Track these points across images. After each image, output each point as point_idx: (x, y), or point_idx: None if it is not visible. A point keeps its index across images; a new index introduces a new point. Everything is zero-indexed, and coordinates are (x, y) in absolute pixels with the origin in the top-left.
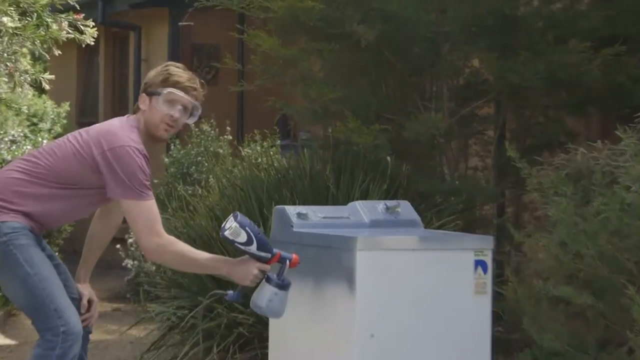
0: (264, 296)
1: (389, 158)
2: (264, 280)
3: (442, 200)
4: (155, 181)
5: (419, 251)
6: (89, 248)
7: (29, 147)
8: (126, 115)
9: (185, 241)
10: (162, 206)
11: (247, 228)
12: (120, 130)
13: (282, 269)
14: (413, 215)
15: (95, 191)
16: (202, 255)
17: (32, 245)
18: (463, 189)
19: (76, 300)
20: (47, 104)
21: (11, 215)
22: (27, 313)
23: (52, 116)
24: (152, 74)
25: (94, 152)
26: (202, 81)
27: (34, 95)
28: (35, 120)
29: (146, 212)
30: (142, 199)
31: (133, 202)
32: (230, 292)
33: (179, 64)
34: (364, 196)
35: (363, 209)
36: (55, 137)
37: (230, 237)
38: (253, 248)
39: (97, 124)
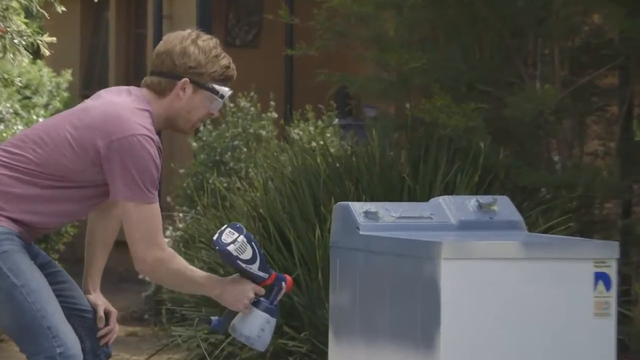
0: (254, 324)
1: (481, 143)
2: (250, 304)
3: (551, 197)
4: (181, 171)
5: (521, 261)
6: (92, 249)
7: (20, 127)
8: (132, 89)
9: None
10: (191, 202)
11: (252, 243)
12: (131, 113)
13: (277, 292)
14: (514, 214)
15: (93, 189)
16: (198, 272)
17: (18, 251)
18: (578, 181)
19: (89, 313)
20: (44, 72)
21: None
22: (13, 335)
23: (50, 87)
24: (201, 59)
25: (97, 142)
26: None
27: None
28: (28, 92)
29: (150, 217)
30: (148, 202)
31: (137, 204)
32: (215, 318)
33: (217, 42)
34: (450, 191)
35: (449, 207)
36: (53, 114)
37: (235, 253)
38: (255, 267)
39: (98, 101)
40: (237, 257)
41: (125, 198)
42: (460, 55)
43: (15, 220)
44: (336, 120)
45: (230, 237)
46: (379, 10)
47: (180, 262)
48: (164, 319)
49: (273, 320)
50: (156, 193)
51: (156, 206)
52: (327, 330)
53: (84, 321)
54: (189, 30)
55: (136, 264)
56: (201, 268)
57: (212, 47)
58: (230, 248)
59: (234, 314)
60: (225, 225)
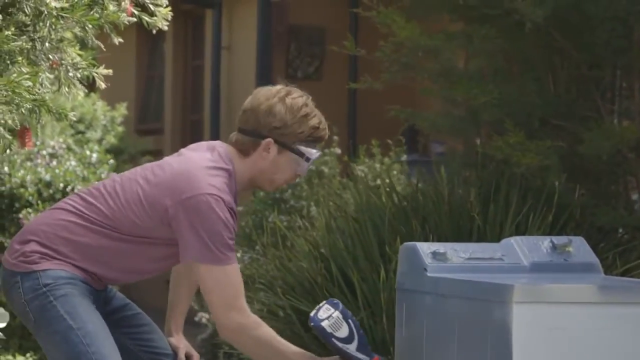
0: None
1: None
2: None
3: (630, 237)
4: (240, 209)
5: (597, 305)
6: (176, 291)
7: (73, 162)
8: (217, 145)
9: (281, 288)
10: (249, 241)
11: (350, 320)
12: (203, 171)
13: None
14: (589, 256)
15: (165, 247)
16: (288, 347)
17: (78, 294)
18: None
19: (169, 357)
20: (98, 106)
21: (55, 262)
22: None
23: (104, 122)
24: (287, 119)
25: (166, 201)
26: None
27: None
28: (81, 127)
29: (227, 280)
30: (223, 264)
31: (209, 267)
32: None
33: (310, 99)
34: (522, 231)
35: (521, 248)
36: (107, 150)
37: (329, 330)
38: (352, 347)
39: (176, 157)
40: (331, 335)
41: (195, 260)
42: (534, 88)
43: (79, 268)
44: (404, 156)
45: (326, 313)
46: (449, 41)
47: (268, 331)
48: None
49: None
50: (232, 254)
51: (232, 268)
52: None
53: None
54: (279, 87)
55: (219, 330)
56: (260, 310)
57: (300, 105)
58: (325, 324)
59: None
60: (324, 302)
